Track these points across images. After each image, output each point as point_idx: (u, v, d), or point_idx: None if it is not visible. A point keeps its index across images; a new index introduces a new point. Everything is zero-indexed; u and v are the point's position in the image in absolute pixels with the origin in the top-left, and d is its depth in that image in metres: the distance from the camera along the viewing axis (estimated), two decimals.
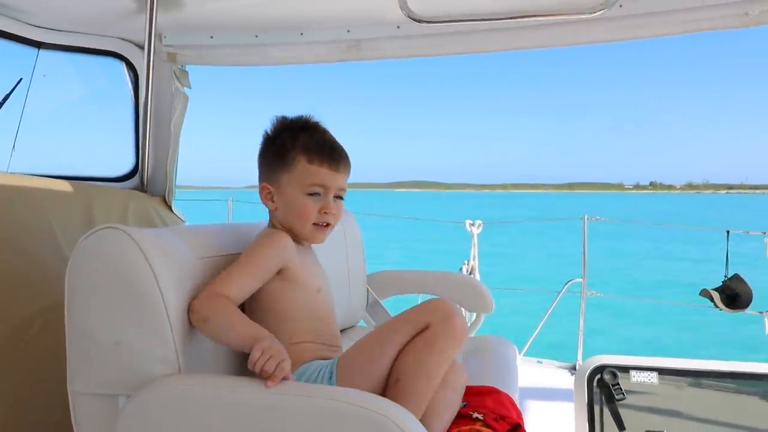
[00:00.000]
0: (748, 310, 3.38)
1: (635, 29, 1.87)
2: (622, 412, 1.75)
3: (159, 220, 2.24)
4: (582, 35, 1.92)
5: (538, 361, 3.56)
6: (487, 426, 1.34)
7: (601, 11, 1.74)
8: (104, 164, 2.39)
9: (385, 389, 1.23)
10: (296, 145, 1.35)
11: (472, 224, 4.25)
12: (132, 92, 2.36)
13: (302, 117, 1.42)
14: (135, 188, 2.33)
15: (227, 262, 1.30)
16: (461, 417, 1.37)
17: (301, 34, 2.14)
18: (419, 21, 1.85)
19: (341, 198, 1.41)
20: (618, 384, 1.75)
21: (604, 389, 1.76)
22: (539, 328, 3.82)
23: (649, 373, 1.75)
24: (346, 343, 1.39)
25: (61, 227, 1.83)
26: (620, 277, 14.76)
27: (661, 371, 1.75)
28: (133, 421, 1.09)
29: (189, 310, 1.17)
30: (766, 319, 3.41)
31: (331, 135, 1.42)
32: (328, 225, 1.39)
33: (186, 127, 2.32)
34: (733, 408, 1.73)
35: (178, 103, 2.27)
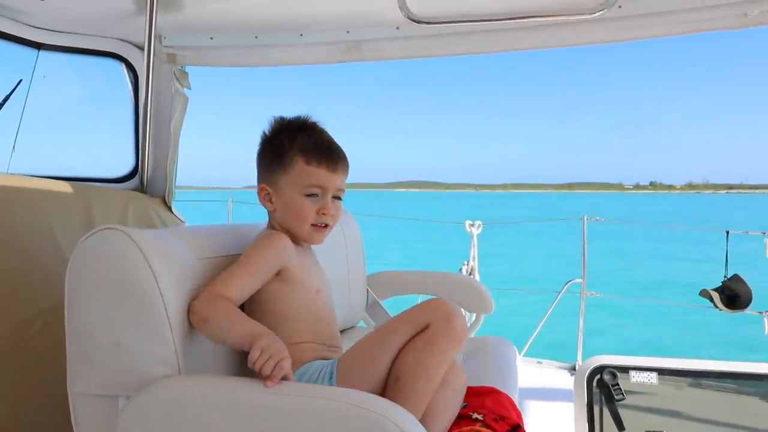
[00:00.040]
0: (747, 311, 3.38)
1: (635, 30, 1.87)
2: (621, 412, 1.75)
3: (159, 221, 2.24)
4: (581, 36, 1.91)
5: (538, 362, 3.55)
6: (487, 426, 1.34)
7: (601, 12, 1.74)
8: (104, 165, 2.39)
9: (385, 389, 1.23)
10: (294, 146, 1.35)
11: (472, 225, 4.25)
12: (132, 93, 2.36)
13: (300, 117, 1.41)
14: (135, 189, 2.33)
15: (227, 263, 1.30)
16: (461, 417, 1.37)
17: (301, 35, 2.14)
18: (419, 22, 1.85)
19: (340, 198, 1.41)
20: (618, 384, 1.75)
21: (603, 389, 1.76)
22: (539, 328, 3.82)
23: (648, 373, 1.75)
24: (346, 344, 1.39)
25: (61, 228, 1.83)
26: (620, 277, 14.75)
27: (660, 371, 1.75)
28: (133, 421, 1.09)
29: (189, 310, 1.17)
30: (765, 319, 3.41)
31: (329, 135, 1.41)
32: (326, 226, 1.39)
33: (186, 128, 2.32)
34: (733, 408, 1.73)
35: (178, 104, 2.27)
